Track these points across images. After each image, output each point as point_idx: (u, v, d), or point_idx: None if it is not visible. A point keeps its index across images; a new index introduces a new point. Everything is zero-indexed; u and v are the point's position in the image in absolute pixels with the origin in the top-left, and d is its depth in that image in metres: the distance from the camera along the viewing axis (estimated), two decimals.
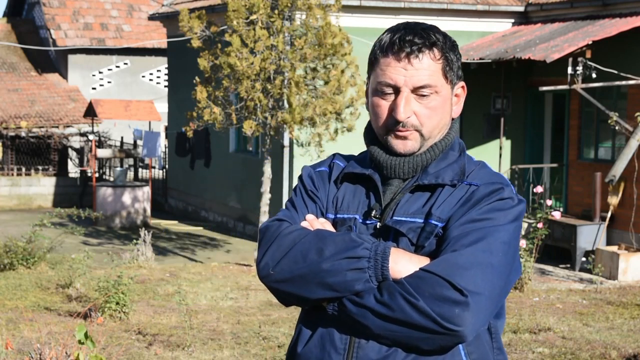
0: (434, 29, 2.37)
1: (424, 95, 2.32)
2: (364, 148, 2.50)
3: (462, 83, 2.42)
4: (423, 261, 2.24)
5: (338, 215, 2.43)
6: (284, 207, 2.53)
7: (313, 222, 2.39)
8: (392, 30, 2.35)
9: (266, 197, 13.74)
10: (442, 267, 2.18)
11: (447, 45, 2.35)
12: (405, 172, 2.37)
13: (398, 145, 2.36)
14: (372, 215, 2.37)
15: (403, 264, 2.22)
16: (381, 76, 2.34)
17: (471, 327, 2.17)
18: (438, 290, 2.15)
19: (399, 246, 2.29)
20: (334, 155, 2.59)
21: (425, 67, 2.31)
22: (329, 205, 2.46)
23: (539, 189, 12.94)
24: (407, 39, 2.31)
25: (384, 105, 2.35)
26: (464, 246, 2.20)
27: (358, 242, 2.25)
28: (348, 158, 2.53)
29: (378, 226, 2.35)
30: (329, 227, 2.39)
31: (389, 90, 2.34)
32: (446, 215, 2.29)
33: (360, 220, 2.39)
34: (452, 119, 2.43)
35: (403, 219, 2.32)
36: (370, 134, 2.45)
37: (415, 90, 2.32)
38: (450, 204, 2.30)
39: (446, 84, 2.35)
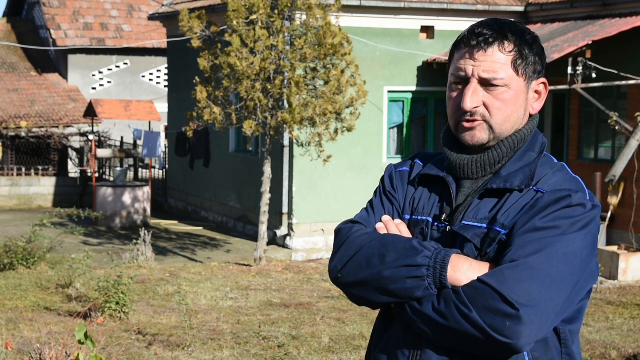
0: (511, 24, 2.34)
1: (493, 86, 2.29)
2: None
3: (543, 80, 2.37)
4: (484, 268, 2.22)
5: (413, 217, 2.43)
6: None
7: (388, 224, 2.40)
8: (470, 26, 2.36)
9: (266, 197, 13.73)
10: (496, 279, 2.15)
11: (522, 40, 2.30)
12: (474, 171, 2.35)
13: (466, 136, 2.33)
14: (442, 219, 2.36)
15: (463, 271, 2.21)
16: (453, 69, 2.34)
17: (525, 340, 2.13)
18: (490, 302, 2.13)
19: (464, 251, 2.27)
20: (417, 153, 2.58)
21: (494, 58, 2.29)
22: (406, 205, 2.46)
23: None
24: (478, 32, 2.30)
25: (455, 97, 2.34)
26: (522, 257, 2.16)
27: (419, 249, 2.25)
28: (431, 157, 2.51)
29: (447, 230, 2.35)
30: (403, 228, 2.39)
31: (459, 81, 2.32)
32: (510, 222, 2.25)
33: (432, 223, 2.39)
34: (530, 116, 2.38)
35: (470, 223, 2.30)
36: (447, 134, 2.43)
37: (484, 82, 2.29)
38: (515, 210, 2.26)
39: (518, 77, 2.30)
